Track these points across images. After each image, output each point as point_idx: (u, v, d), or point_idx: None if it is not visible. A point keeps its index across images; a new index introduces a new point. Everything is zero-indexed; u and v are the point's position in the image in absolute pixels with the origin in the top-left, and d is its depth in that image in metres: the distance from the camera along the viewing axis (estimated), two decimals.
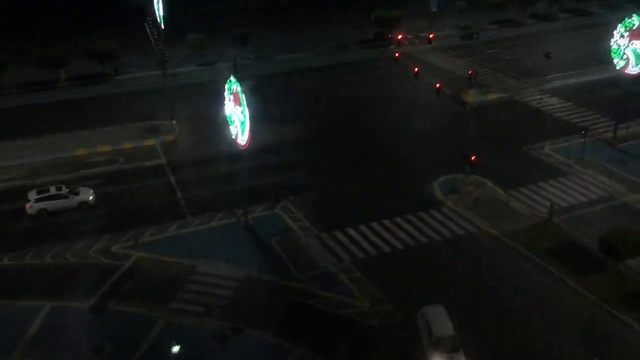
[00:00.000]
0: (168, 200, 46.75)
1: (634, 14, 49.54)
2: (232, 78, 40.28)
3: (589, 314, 34.83)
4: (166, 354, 31.39)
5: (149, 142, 55.95)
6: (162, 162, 52.58)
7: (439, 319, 31.89)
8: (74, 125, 58.26)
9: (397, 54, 68.80)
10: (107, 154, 53.76)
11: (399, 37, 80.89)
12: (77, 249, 40.82)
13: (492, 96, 64.53)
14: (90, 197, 45.63)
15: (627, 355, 31.96)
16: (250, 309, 35.53)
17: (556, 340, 33.03)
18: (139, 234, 41.83)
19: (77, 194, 45.34)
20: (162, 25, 65.00)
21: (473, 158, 44.93)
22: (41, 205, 44.15)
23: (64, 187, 45.26)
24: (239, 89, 39.12)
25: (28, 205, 44.16)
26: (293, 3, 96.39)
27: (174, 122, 59.11)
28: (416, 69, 57.59)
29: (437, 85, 54.29)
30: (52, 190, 44.83)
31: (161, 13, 63.99)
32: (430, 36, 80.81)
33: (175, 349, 30.80)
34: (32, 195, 44.60)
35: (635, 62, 50.23)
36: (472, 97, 62.13)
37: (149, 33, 70.73)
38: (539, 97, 64.41)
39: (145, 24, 72.28)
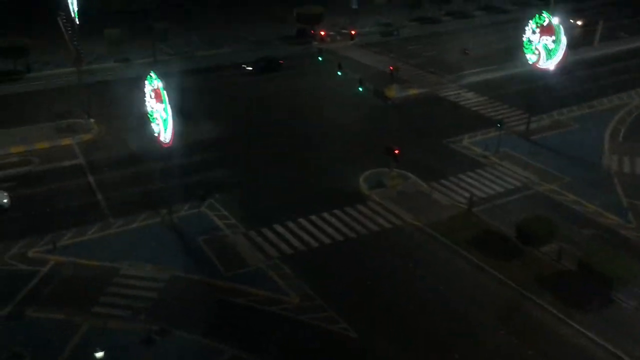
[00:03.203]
0: (88, 202, 45.02)
1: (544, 11, 51.95)
2: (152, 74, 39.27)
3: (509, 299, 36.37)
4: None
5: (66, 141, 53.66)
6: (81, 162, 50.60)
7: None
8: None
9: (321, 50, 69.60)
10: (20, 154, 51.14)
11: (322, 33, 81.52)
12: None
13: (413, 91, 66.06)
14: (5, 200, 43.31)
15: (544, 336, 33.60)
16: (178, 309, 34.79)
17: (479, 324, 34.31)
18: (57, 238, 40.13)
19: None
20: (77, 20, 62.55)
21: (397, 152, 45.93)
22: None
23: None
24: (160, 85, 38.23)
25: None
26: None
27: (92, 120, 57.00)
28: (391, 68, 58.96)
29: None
30: None
31: (75, 8, 61.68)
32: (352, 32, 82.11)
33: (100, 354, 29.70)
34: None
35: (546, 57, 52.72)
36: (394, 92, 63.36)
37: (63, 29, 67.79)
38: (457, 91, 66.52)
39: (58, 19, 69.20)
